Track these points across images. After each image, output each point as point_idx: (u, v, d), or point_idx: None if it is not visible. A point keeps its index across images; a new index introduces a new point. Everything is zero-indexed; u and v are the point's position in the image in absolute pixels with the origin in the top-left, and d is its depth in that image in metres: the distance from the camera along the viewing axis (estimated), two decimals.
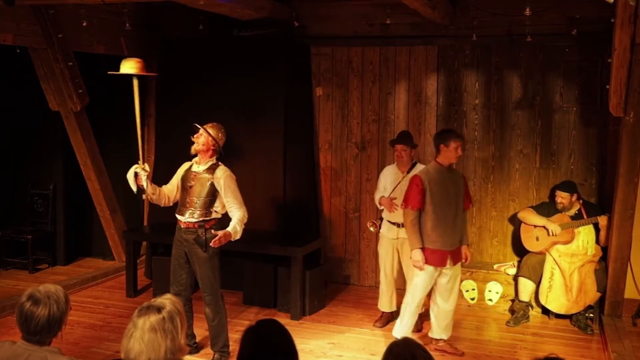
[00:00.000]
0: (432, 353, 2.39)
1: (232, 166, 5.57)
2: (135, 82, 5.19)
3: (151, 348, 2.43)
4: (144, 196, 5.29)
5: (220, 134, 5.35)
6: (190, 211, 5.31)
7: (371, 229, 6.39)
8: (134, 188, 5.24)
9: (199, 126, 5.30)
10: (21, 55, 7.14)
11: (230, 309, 6.46)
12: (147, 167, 5.23)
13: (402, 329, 5.58)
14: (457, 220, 5.46)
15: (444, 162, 5.43)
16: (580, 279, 6.21)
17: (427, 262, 5.34)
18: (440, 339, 5.68)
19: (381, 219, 6.33)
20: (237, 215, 5.21)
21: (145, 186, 5.21)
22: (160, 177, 7.52)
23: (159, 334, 2.45)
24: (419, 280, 5.45)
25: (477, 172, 7.25)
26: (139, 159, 5.25)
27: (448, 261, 5.42)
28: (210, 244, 5.12)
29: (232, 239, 5.16)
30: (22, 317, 2.75)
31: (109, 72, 5.38)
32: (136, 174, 5.20)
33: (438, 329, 5.65)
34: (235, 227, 5.15)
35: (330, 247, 7.75)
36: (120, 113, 7.71)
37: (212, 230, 5.21)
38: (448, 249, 5.40)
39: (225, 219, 5.36)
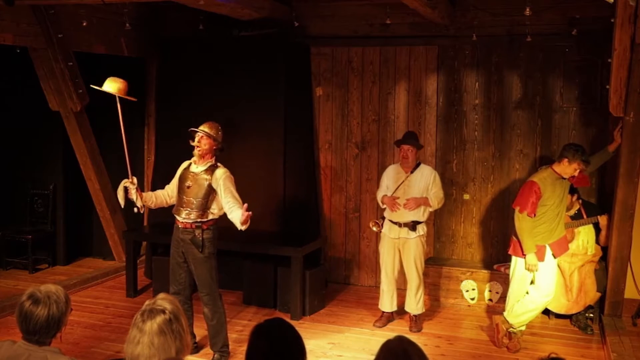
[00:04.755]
0: None
1: (232, 166, 5.58)
2: (118, 102, 5.34)
3: (162, 351, 2.42)
4: (135, 209, 5.34)
5: (219, 132, 5.37)
6: (187, 211, 5.32)
7: (374, 228, 6.37)
8: (122, 203, 5.37)
9: (197, 130, 5.31)
10: (21, 55, 7.14)
11: (230, 308, 6.46)
12: (135, 180, 5.30)
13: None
14: (558, 217, 5.68)
15: (559, 172, 5.59)
16: (580, 279, 6.21)
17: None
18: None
19: (383, 218, 6.32)
20: (241, 212, 5.15)
21: (134, 199, 5.27)
22: (160, 176, 7.54)
23: (169, 336, 2.44)
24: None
25: (477, 172, 7.25)
26: (128, 175, 5.33)
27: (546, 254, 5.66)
28: (241, 224, 5.06)
29: (245, 225, 5.09)
30: (22, 316, 2.75)
31: (91, 86, 5.63)
32: (127, 189, 5.29)
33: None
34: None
35: (330, 247, 7.75)
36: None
37: (245, 206, 5.06)
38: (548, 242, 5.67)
39: (222, 220, 5.36)
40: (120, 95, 5.33)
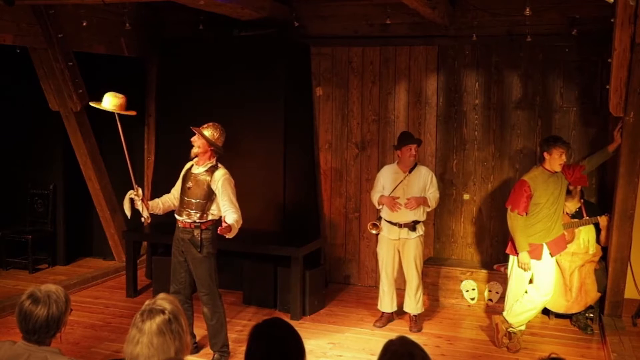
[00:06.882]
0: None
1: (232, 166, 5.58)
2: (117, 117, 5.35)
3: (162, 351, 2.42)
4: (142, 219, 5.36)
5: (217, 134, 5.33)
6: (187, 212, 5.33)
7: (372, 231, 6.34)
8: (129, 214, 5.39)
9: (194, 129, 5.31)
10: (21, 55, 7.14)
11: (230, 308, 6.47)
12: (140, 191, 5.32)
13: None
14: (555, 216, 5.68)
15: (549, 168, 5.61)
16: (580, 279, 6.21)
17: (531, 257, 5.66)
18: None
19: (379, 218, 6.31)
20: (233, 217, 5.17)
21: (140, 209, 5.31)
22: (160, 176, 7.55)
23: (167, 336, 2.44)
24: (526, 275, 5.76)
25: (477, 172, 7.25)
26: (133, 186, 5.35)
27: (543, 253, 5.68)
28: (218, 231, 5.09)
29: (229, 234, 5.08)
30: (21, 316, 2.76)
31: (90, 103, 5.64)
32: (132, 200, 5.31)
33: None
34: (233, 224, 5.12)
35: (330, 247, 7.75)
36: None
37: (226, 219, 5.12)
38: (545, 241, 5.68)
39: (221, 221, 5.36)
40: (120, 112, 5.31)
